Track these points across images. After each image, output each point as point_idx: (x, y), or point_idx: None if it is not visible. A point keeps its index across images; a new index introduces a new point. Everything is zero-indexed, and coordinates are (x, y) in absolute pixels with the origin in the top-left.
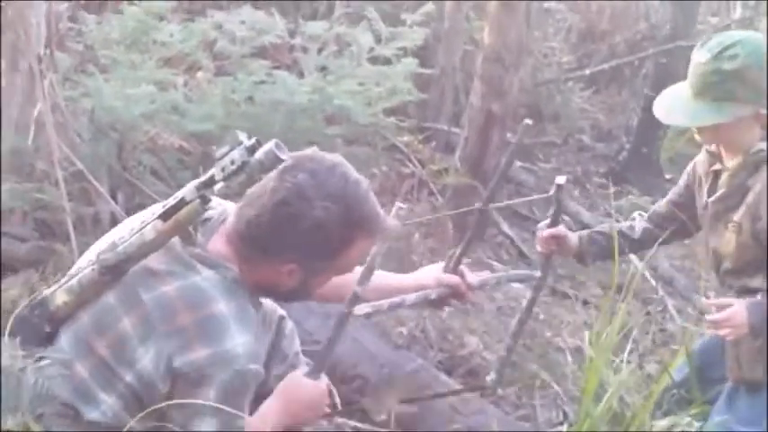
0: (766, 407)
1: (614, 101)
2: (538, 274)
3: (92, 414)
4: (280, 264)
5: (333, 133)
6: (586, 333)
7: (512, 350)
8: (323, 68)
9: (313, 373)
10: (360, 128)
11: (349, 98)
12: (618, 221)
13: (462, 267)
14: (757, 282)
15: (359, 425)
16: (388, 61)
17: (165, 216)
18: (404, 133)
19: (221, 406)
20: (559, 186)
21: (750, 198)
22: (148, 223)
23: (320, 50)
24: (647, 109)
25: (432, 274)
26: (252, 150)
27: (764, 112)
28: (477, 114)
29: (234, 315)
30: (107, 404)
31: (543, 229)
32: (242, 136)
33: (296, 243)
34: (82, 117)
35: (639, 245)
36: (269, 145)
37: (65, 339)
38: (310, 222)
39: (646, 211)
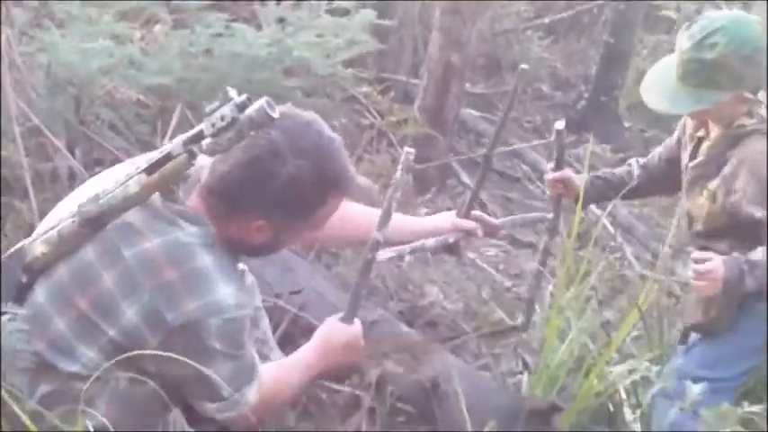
0: (718, 354)
1: (572, 49)
2: (550, 215)
3: (71, 367)
4: (250, 220)
5: (292, 85)
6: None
7: (536, 289)
8: (281, 20)
9: (347, 319)
10: (319, 79)
11: (307, 50)
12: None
13: (478, 212)
14: (723, 245)
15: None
16: (346, 12)
17: (150, 170)
18: (363, 84)
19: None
20: (559, 132)
21: (727, 170)
22: (132, 176)
23: (278, 2)
24: (606, 57)
25: (447, 218)
26: (242, 107)
27: (748, 94)
28: (435, 65)
29: (217, 268)
30: (87, 357)
31: (549, 174)
32: (232, 92)
33: (267, 200)
34: (38, 72)
35: (634, 192)
36: (260, 102)
37: (41, 292)
38: (283, 179)
39: (604, 160)
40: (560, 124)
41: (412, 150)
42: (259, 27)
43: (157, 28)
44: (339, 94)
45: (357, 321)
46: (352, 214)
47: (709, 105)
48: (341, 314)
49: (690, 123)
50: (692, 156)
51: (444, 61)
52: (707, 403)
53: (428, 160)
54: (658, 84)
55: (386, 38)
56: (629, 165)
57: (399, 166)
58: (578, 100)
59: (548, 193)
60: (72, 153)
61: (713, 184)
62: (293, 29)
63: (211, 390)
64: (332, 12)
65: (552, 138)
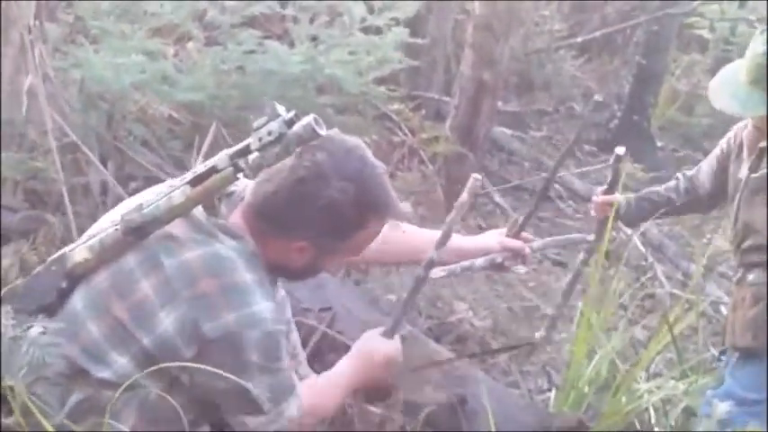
0: (764, 374)
1: (606, 69)
2: (590, 237)
3: (102, 374)
4: (291, 241)
5: (324, 103)
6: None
7: (562, 308)
8: (314, 38)
9: (389, 334)
10: (351, 97)
11: (340, 68)
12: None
13: (523, 232)
14: None
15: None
16: (379, 31)
17: (194, 182)
18: (395, 102)
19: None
20: (618, 156)
21: None
22: (177, 188)
23: (312, 20)
24: (639, 77)
25: (495, 238)
26: (290, 123)
27: None
28: (467, 83)
29: (255, 283)
30: (119, 364)
31: (599, 196)
32: (280, 108)
33: (310, 221)
34: (72, 87)
35: (682, 209)
36: (308, 119)
37: (78, 299)
38: (326, 202)
39: (636, 179)
40: (621, 150)
41: (479, 176)
42: (292, 45)
43: (190, 45)
44: (371, 112)
45: (397, 338)
46: (400, 234)
47: None
48: (381, 329)
49: (747, 135)
50: (754, 166)
51: (477, 79)
52: (756, 426)
53: (459, 178)
54: (727, 86)
55: (418, 56)
56: (677, 179)
57: (466, 190)
58: (611, 119)
59: (594, 214)
60: (104, 168)
61: None
62: (326, 47)
63: (251, 404)
64: (364, 30)
65: (611, 161)
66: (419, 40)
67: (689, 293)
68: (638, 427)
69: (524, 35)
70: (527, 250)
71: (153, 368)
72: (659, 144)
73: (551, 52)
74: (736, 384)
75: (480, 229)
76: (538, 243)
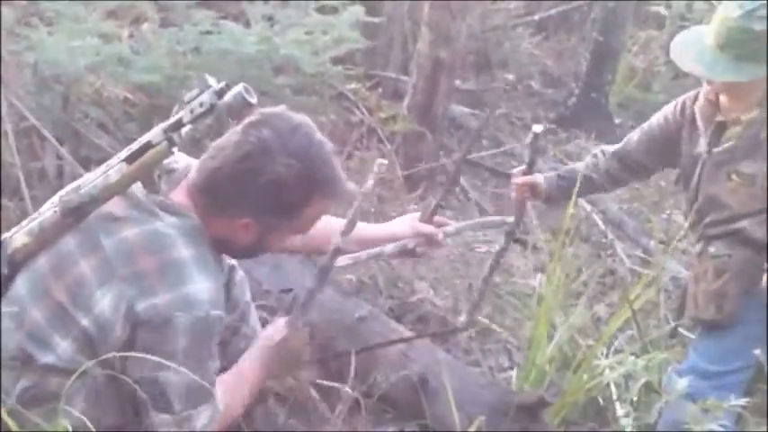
0: (729, 346)
1: (563, 46)
2: (510, 219)
3: (46, 358)
4: (236, 217)
5: (281, 83)
6: (538, 276)
7: (483, 294)
8: (270, 18)
9: (292, 323)
10: (308, 77)
11: (296, 47)
12: (565, 165)
13: (437, 217)
14: (743, 223)
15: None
16: (334, 10)
17: (130, 159)
18: (352, 82)
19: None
20: (536, 135)
21: None
22: (113, 166)
23: (267, 0)
24: (596, 54)
25: (407, 223)
26: (220, 94)
27: None
28: (424, 61)
29: (195, 261)
30: (62, 347)
31: (518, 176)
32: (210, 80)
33: (254, 198)
34: (26, 70)
35: (602, 186)
36: (238, 88)
37: (21, 284)
38: (270, 178)
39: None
40: (538, 128)
41: (384, 161)
42: (247, 25)
43: (145, 26)
44: (328, 92)
45: (304, 328)
46: (323, 222)
47: (747, 78)
48: (285, 318)
49: (701, 108)
50: (714, 141)
51: (433, 58)
52: (719, 398)
53: (417, 157)
54: (692, 49)
55: (375, 35)
56: (595, 156)
57: (371, 177)
58: (569, 97)
59: (513, 196)
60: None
61: (749, 166)
62: (281, 26)
63: (163, 398)
64: (320, 9)
65: (527, 141)
66: (375, 19)
67: (650, 270)
68: (601, 402)
69: (481, 13)
70: (440, 236)
71: (98, 359)
72: (617, 121)
73: (509, 30)
74: (699, 357)
75: (441, 209)
76: (452, 227)
